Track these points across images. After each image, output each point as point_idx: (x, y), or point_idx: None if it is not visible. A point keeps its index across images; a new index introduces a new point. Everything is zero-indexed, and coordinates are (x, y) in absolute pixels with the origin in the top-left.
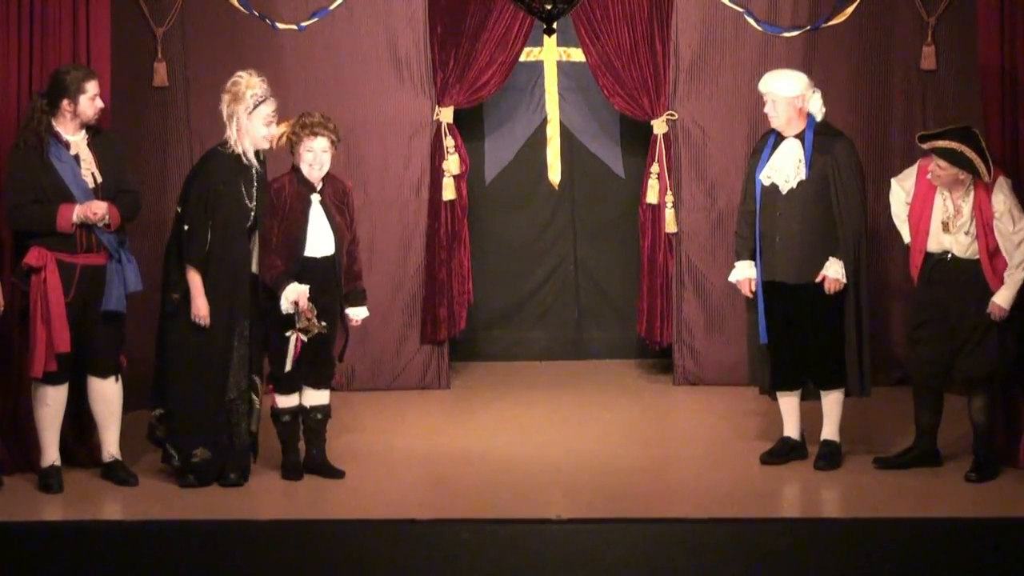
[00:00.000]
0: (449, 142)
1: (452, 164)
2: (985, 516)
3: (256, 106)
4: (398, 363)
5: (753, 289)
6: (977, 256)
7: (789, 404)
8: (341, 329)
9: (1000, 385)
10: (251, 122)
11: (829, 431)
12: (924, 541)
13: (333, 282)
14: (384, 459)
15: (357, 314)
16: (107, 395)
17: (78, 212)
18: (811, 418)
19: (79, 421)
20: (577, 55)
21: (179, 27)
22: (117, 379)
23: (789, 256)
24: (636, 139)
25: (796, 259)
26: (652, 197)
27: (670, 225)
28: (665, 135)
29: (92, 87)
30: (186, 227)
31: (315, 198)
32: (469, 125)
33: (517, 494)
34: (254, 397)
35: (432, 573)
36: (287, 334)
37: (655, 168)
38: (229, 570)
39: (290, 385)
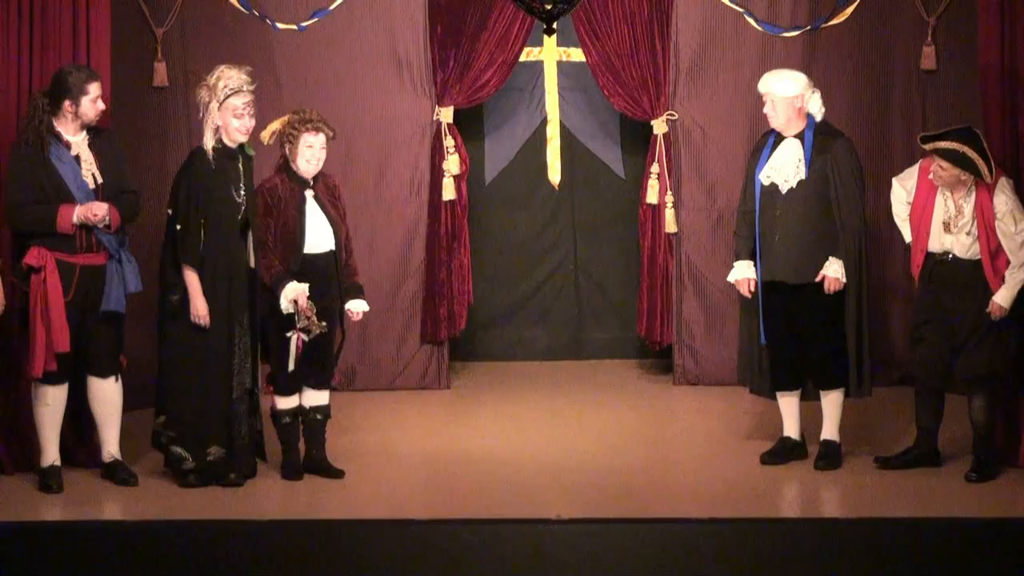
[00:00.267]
0: (449, 142)
1: (452, 164)
2: (985, 516)
3: (227, 97)
4: (398, 363)
5: (752, 289)
6: (978, 256)
7: (789, 404)
8: (339, 329)
9: (1000, 385)
10: (222, 114)
11: (829, 431)
12: (924, 541)
13: (334, 279)
14: (384, 459)
15: (358, 307)
16: (107, 395)
17: (78, 213)
18: (811, 418)
19: (79, 421)
20: (577, 55)
21: (179, 27)
22: (117, 379)
23: (789, 256)
24: (636, 139)
25: (796, 259)
26: (652, 197)
27: (670, 225)
28: (665, 135)
29: (95, 89)
30: (178, 227)
31: (309, 194)
32: (469, 125)
33: (517, 494)
34: (256, 391)
35: (432, 573)
36: (288, 334)
37: (655, 168)
38: (229, 570)
39: (290, 386)
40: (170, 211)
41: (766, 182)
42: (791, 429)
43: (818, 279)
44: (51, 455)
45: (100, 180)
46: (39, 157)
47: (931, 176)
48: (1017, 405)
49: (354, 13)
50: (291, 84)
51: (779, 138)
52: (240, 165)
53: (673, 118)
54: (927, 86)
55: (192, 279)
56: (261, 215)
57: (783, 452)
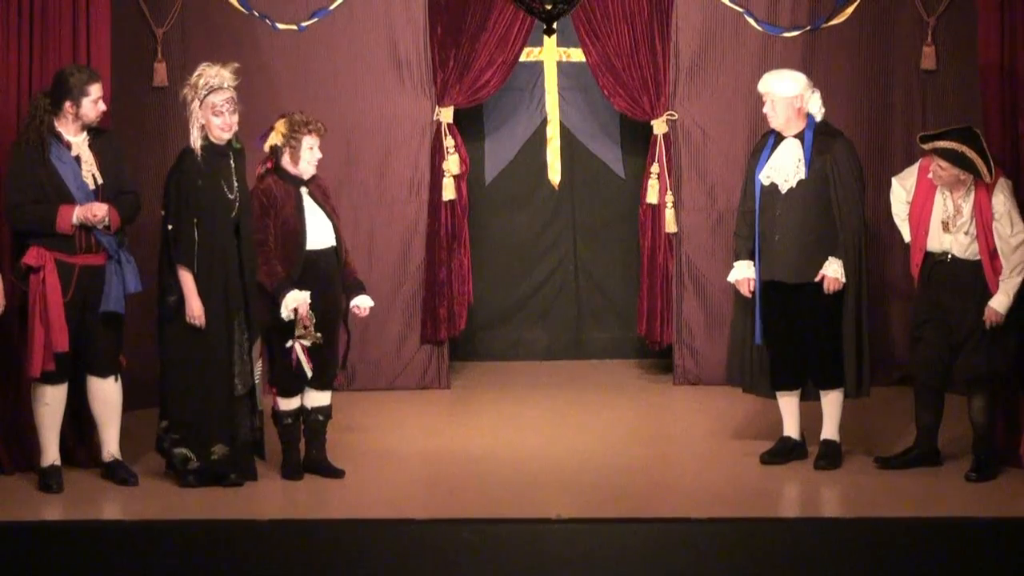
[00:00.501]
0: (449, 142)
1: (452, 164)
2: (985, 516)
3: (207, 95)
4: (398, 363)
5: (752, 289)
6: (977, 256)
7: (789, 404)
8: (344, 330)
9: (1000, 385)
10: (203, 112)
11: (829, 431)
12: (924, 541)
13: (337, 276)
14: (384, 459)
15: (364, 303)
16: (107, 395)
17: (78, 213)
18: (811, 418)
19: (79, 421)
20: (577, 55)
21: (179, 27)
22: (117, 379)
23: (788, 256)
24: (636, 139)
25: (795, 259)
26: (652, 197)
27: (670, 225)
28: (665, 135)
29: (96, 90)
30: (170, 227)
31: (304, 191)
32: (469, 125)
33: (517, 494)
34: (256, 387)
35: (432, 573)
36: (287, 344)
37: (655, 168)
38: (229, 570)
39: (293, 388)
40: (163, 212)
41: (766, 182)
42: (791, 429)
43: (818, 279)
44: (51, 455)
45: (100, 180)
46: (39, 157)
47: (930, 176)
48: (1017, 405)
49: (354, 13)
50: (291, 84)
51: (779, 138)
52: (232, 161)
53: (673, 118)
54: (927, 86)
55: (187, 280)
56: (258, 217)
57: (783, 452)
